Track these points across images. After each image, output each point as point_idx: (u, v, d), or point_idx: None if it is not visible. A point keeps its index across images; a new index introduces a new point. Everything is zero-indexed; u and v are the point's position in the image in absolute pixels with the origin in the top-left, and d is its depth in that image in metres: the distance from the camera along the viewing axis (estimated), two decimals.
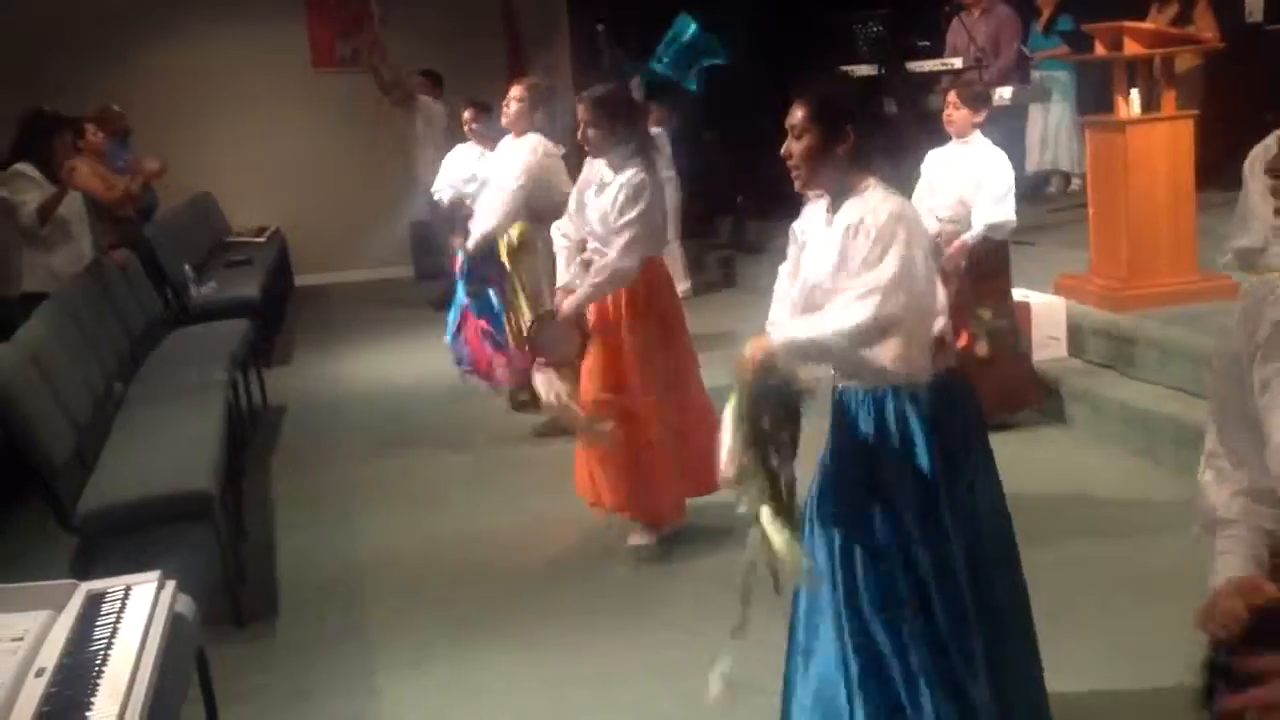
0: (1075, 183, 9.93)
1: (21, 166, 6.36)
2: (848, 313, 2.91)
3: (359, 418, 7.42)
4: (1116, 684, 3.70)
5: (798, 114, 3.03)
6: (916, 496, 3.01)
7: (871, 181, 3.02)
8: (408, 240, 12.18)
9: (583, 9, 11.87)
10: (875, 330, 2.88)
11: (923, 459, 3.00)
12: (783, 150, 3.08)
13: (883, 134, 3.11)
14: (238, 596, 4.61)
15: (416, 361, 8.72)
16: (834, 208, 3.06)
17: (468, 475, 6.20)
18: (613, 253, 4.77)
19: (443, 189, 7.83)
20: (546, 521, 5.46)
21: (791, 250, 3.25)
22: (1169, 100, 6.34)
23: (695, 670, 4.02)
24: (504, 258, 6.72)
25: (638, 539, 5.03)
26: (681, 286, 8.49)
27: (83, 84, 10.87)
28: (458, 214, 7.55)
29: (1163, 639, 3.77)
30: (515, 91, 6.53)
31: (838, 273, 2.97)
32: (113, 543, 4.36)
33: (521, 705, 3.94)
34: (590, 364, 4.93)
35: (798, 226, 3.22)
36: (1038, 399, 6.07)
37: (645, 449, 4.87)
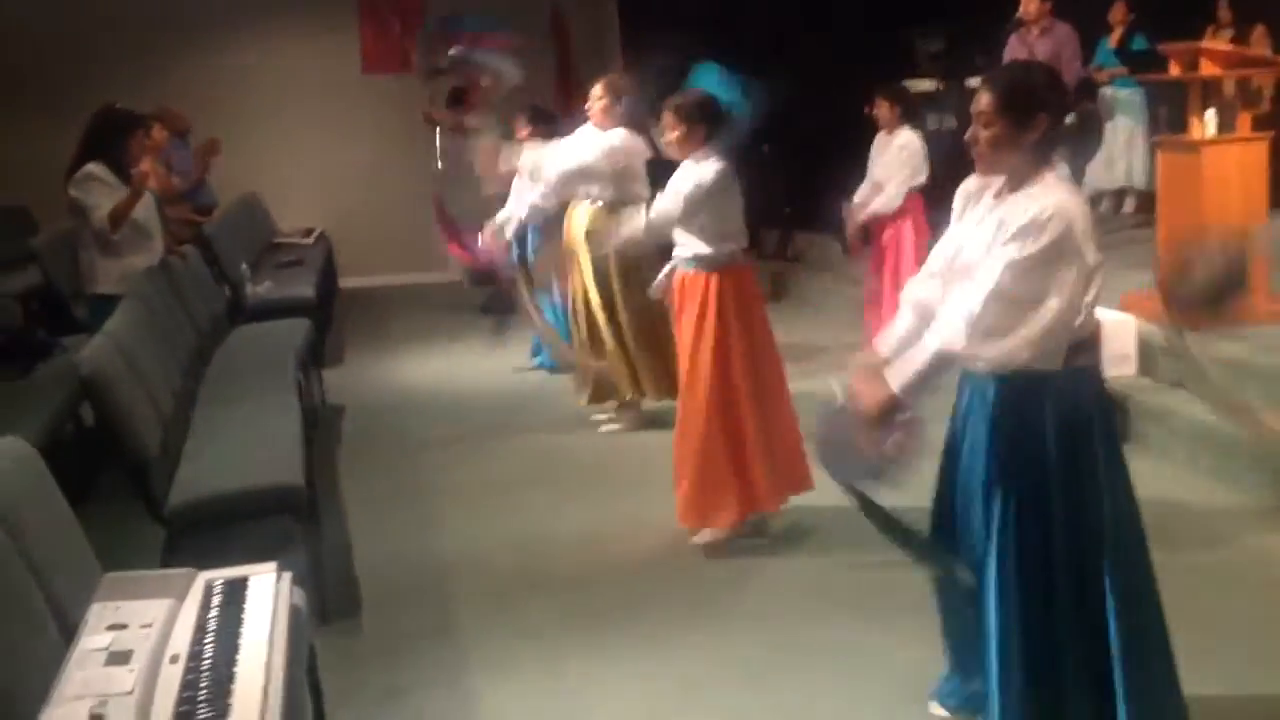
0: (1129, 202, 9.90)
1: (93, 168, 6.19)
2: (955, 321, 2.98)
3: (422, 418, 7.44)
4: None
5: (983, 100, 3.03)
6: (1033, 485, 3.06)
7: (1049, 174, 3.02)
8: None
9: (634, 20, 11.92)
10: (989, 325, 2.95)
11: (1041, 448, 3.04)
12: (967, 135, 3.09)
13: (1062, 127, 3.10)
14: (324, 592, 4.62)
15: (471, 363, 8.78)
16: (1006, 190, 3.06)
17: (542, 474, 6.23)
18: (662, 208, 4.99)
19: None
20: (627, 520, 5.48)
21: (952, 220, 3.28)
22: (1244, 121, 6.34)
23: (784, 673, 4.06)
24: (573, 240, 6.78)
25: (704, 535, 5.09)
26: None
27: (138, 85, 10.94)
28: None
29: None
30: (596, 90, 6.62)
31: (982, 259, 3.00)
32: (201, 534, 4.38)
33: (611, 707, 3.94)
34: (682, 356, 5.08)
35: (963, 192, 3.23)
36: None
37: (716, 444, 4.95)
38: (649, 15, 11.24)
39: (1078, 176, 6.80)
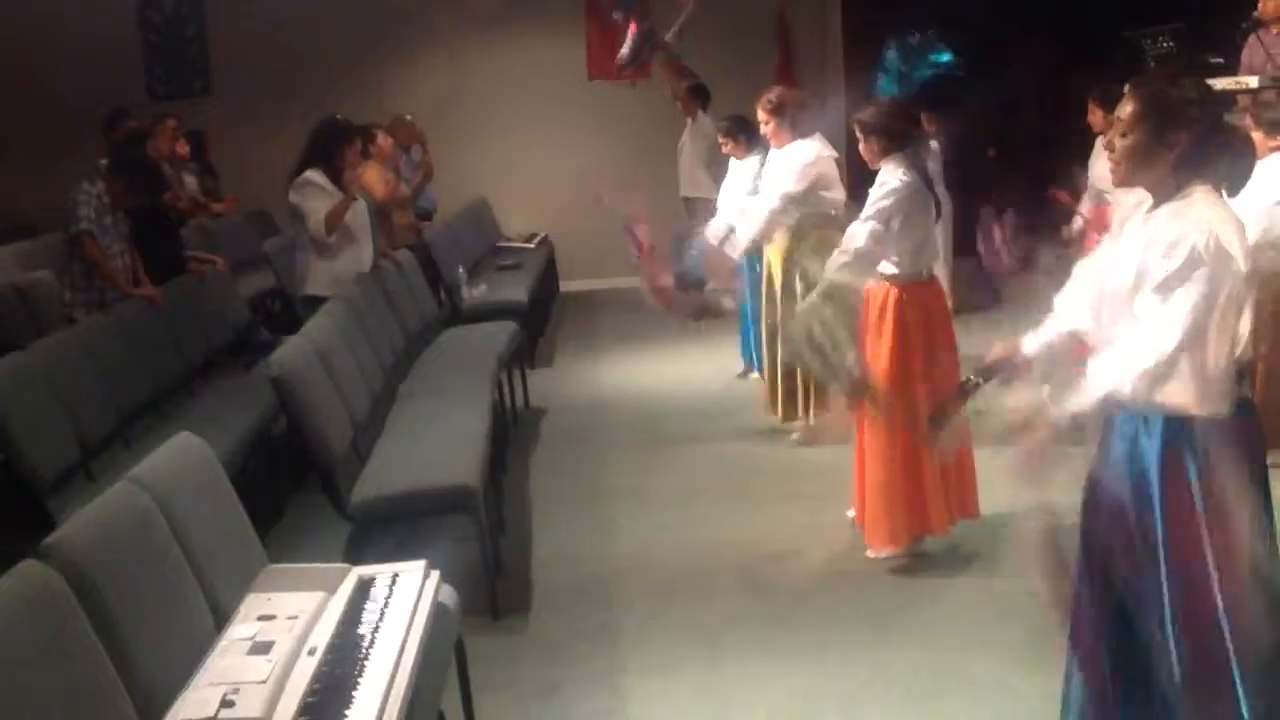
0: None
1: (312, 174, 6.50)
2: (1130, 360, 2.80)
3: (617, 422, 7.56)
4: None
5: (1126, 109, 2.89)
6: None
7: (1198, 191, 2.83)
8: (670, 249, 12.38)
9: (858, 24, 11.81)
10: (1160, 373, 2.76)
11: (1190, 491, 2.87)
12: (1104, 142, 2.97)
13: (1222, 143, 2.89)
14: (495, 589, 4.77)
15: (676, 368, 8.87)
16: (1152, 208, 2.92)
17: (725, 483, 6.25)
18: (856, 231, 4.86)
19: (727, 208, 8.00)
20: (803, 532, 5.46)
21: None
22: None
23: (944, 699, 3.96)
24: (773, 263, 6.79)
25: (876, 553, 5.04)
26: None
27: (369, 93, 11.53)
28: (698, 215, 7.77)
29: None
30: (760, 114, 6.63)
31: (1134, 288, 2.84)
32: (382, 530, 4.59)
33: (767, 718, 3.94)
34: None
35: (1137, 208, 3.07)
36: None
37: (892, 463, 4.89)
38: (873, 19, 11.13)
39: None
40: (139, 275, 6.70)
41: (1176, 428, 2.84)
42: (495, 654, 4.31)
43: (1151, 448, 2.89)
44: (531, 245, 11.72)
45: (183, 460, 3.37)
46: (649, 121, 12.20)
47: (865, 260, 4.88)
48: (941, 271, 8.96)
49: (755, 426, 7.10)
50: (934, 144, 8.89)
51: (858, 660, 4.24)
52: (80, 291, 6.48)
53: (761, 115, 6.66)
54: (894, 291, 4.93)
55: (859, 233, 4.87)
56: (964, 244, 10.39)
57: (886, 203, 4.85)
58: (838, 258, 4.93)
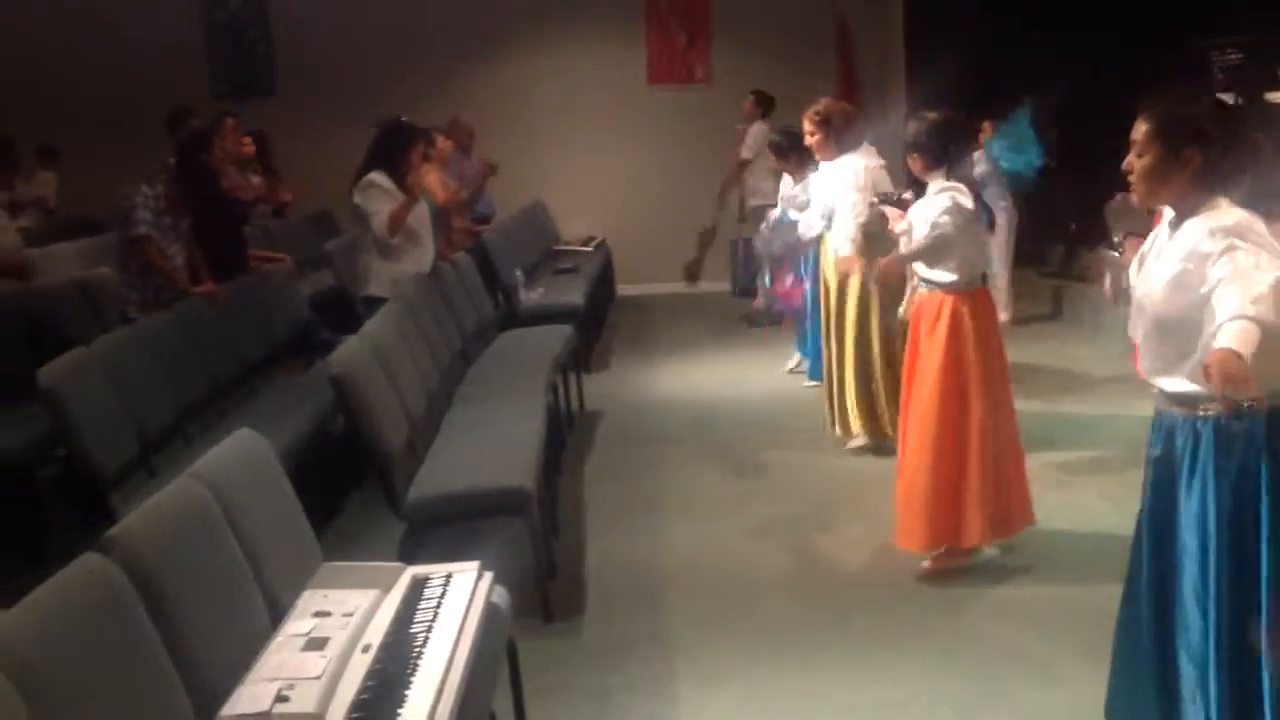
0: None
1: (376, 176, 6.55)
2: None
3: (672, 426, 7.54)
4: None
5: (1140, 129, 2.95)
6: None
7: (1222, 204, 2.87)
8: (727, 256, 12.41)
9: (920, 32, 11.73)
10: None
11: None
12: (1124, 165, 3.01)
13: (1241, 157, 2.92)
14: (547, 592, 4.77)
15: (731, 375, 8.85)
16: (1176, 224, 2.96)
17: (779, 490, 6.23)
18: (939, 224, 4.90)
19: (784, 212, 8.00)
20: (854, 542, 5.44)
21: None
22: None
23: (990, 713, 3.91)
24: (829, 275, 6.79)
25: (926, 563, 5.02)
26: (1001, 317, 8.29)
27: (431, 96, 11.61)
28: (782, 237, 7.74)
29: None
30: (806, 126, 6.61)
31: (1172, 294, 2.87)
32: (436, 531, 4.59)
33: None
34: (913, 382, 5.04)
35: (1166, 223, 3.08)
36: None
37: (941, 470, 4.88)
38: (935, 27, 11.04)
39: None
40: (200, 272, 6.78)
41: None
42: (547, 657, 4.32)
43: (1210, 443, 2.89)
44: (588, 249, 11.75)
45: (242, 456, 3.40)
46: (708, 127, 12.21)
47: (925, 256, 4.97)
48: (1001, 282, 8.94)
49: (811, 433, 7.06)
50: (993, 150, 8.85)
51: (907, 676, 4.19)
52: (138, 290, 6.56)
53: (808, 127, 6.65)
54: (949, 300, 4.94)
55: (940, 224, 4.92)
56: (1025, 254, 10.33)
57: (945, 219, 4.90)
58: (905, 245, 5.06)
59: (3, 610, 2.38)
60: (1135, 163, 2.97)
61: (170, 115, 8.57)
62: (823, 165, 6.79)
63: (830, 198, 6.63)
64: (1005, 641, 4.40)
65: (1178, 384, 2.94)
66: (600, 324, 10.71)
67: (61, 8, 12.09)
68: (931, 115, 5.03)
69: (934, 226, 4.91)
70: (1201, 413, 2.90)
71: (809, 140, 6.70)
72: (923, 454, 4.90)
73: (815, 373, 7.83)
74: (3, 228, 7.19)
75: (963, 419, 4.84)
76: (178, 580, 2.71)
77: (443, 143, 8.74)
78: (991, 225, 5.36)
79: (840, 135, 6.57)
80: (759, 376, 8.65)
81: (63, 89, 12.01)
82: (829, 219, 6.70)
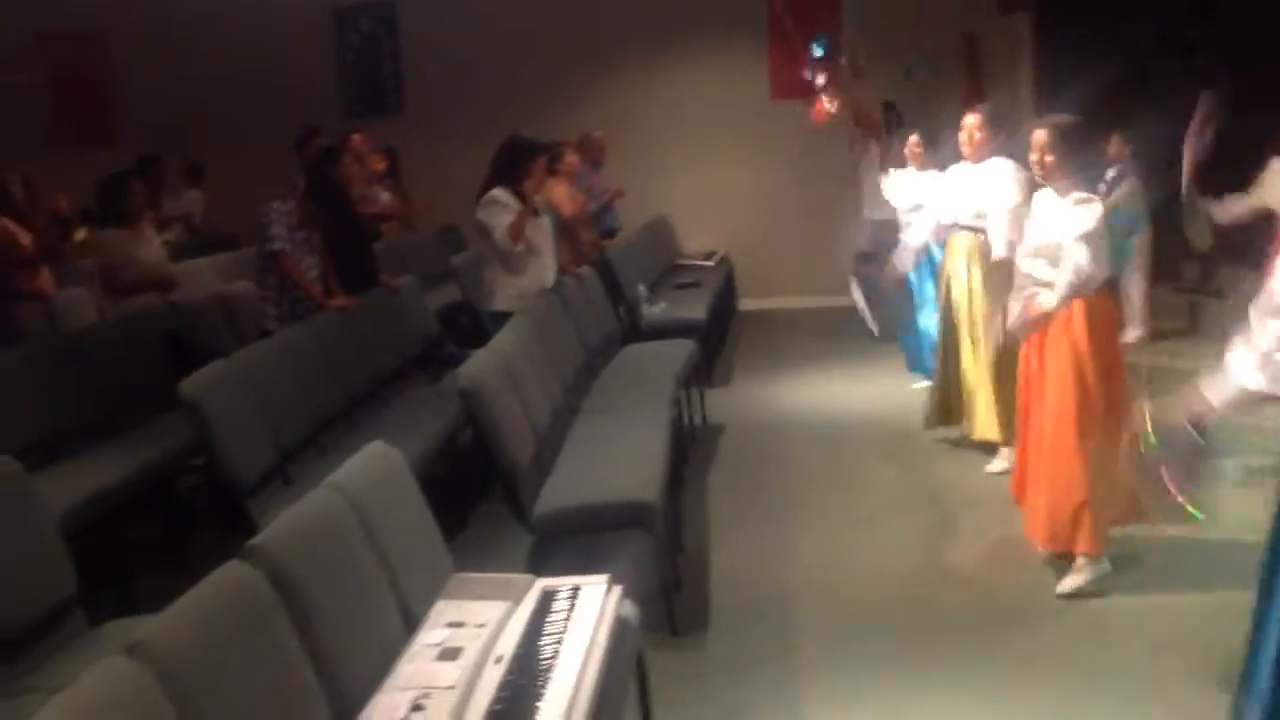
0: None
1: (497, 192, 6.66)
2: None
3: (796, 441, 7.50)
4: None
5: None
6: None
7: None
8: (851, 269, 12.29)
9: (1049, 40, 11.52)
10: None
11: None
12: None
13: None
14: (674, 606, 4.76)
15: (854, 388, 8.77)
16: None
17: (907, 505, 6.16)
18: (1078, 259, 4.77)
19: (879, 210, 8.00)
20: (989, 560, 5.35)
21: None
22: None
23: None
24: (952, 274, 6.74)
25: (1070, 582, 4.89)
26: (1134, 333, 8.12)
27: (558, 112, 11.74)
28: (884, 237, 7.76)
29: None
30: (975, 120, 6.45)
31: None
32: (563, 544, 4.62)
33: None
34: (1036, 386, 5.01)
35: None
36: None
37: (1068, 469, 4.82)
38: (1065, 36, 10.84)
39: None
40: (333, 286, 6.93)
41: None
42: (675, 671, 4.30)
43: None
44: (710, 263, 11.75)
45: (376, 468, 3.46)
46: (830, 142, 12.10)
47: (1090, 282, 4.83)
48: (1136, 294, 8.71)
49: (938, 449, 6.96)
50: (1123, 165, 8.64)
51: (1039, 704, 4.06)
52: (274, 304, 6.73)
53: (974, 122, 6.50)
54: (1078, 304, 4.84)
55: (1079, 256, 4.77)
56: (1162, 269, 10.05)
57: (1089, 226, 4.79)
58: (1062, 283, 4.83)
59: (151, 614, 2.46)
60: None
61: (298, 135, 8.81)
62: (965, 167, 6.64)
63: (976, 199, 6.52)
64: (1150, 672, 4.23)
65: None
66: (722, 339, 10.69)
67: (206, 35, 12.51)
68: (1066, 119, 4.93)
69: (1077, 271, 4.76)
70: None
71: (972, 137, 6.50)
72: (1046, 455, 4.87)
73: (917, 365, 7.95)
74: (149, 242, 7.43)
75: (1087, 421, 4.78)
76: (317, 588, 2.76)
77: (571, 157, 8.83)
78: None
79: (997, 138, 6.48)
80: (884, 391, 8.55)
81: (208, 110, 12.44)
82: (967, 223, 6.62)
